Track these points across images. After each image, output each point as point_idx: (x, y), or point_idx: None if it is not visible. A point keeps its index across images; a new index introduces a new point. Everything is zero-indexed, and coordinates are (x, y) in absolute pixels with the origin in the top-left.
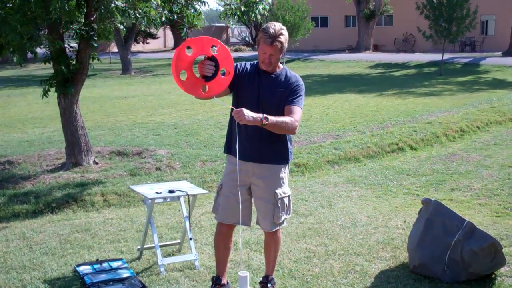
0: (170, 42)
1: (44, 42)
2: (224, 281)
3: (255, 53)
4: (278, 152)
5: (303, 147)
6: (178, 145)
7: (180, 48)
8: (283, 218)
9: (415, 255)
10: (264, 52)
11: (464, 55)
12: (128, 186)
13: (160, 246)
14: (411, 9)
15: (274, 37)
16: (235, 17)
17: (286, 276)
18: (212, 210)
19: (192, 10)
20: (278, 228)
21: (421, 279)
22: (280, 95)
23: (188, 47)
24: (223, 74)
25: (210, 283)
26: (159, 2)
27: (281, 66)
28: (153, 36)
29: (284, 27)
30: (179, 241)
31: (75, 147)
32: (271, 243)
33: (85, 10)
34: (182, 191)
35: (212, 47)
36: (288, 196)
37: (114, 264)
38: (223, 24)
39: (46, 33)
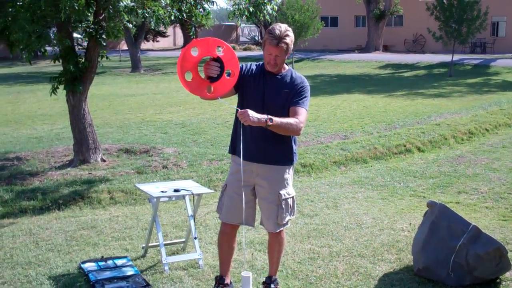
0: (180, 40)
1: (53, 40)
2: (227, 280)
3: None
4: (282, 153)
5: (310, 147)
6: (185, 143)
7: (185, 49)
8: (287, 219)
9: (420, 258)
10: (269, 53)
11: (474, 57)
12: (134, 184)
13: (165, 245)
14: (421, 9)
15: (279, 38)
16: (244, 17)
17: (289, 276)
18: (216, 210)
19: (201, 9)
20: (281, 229)
21: (425, 283)
22: (285, 96)
23: (194, 48)
24: (228, 75)
25: (214, 282)
26: (168, 1)
27: (286, 67)
28: (163, 35)
29: (290, 29)
30: (183, 239)
31: (83, 144)
32: (275, 244)
33: (94, 9)
34: (187, 190)
35: (217, 48)
36: (292, 197)
37: (119, 262)
38: (233, 23)
39: (55, 31)
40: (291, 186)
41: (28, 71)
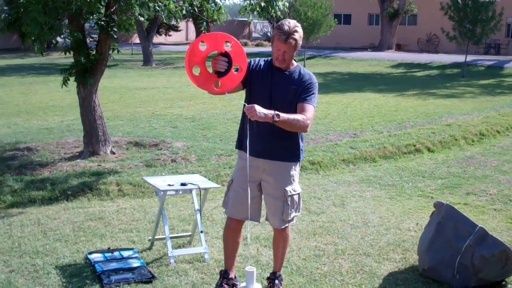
0: (193, 34)
1: (64, 32)
2: (231, 275)
3: None
4: (289, 150)
5: (319, 145)
6: (194, 138)
7: (194, 43)
8: (292, 215)
9: (425, 259)
10: (278, 49)
11: (488, 58)
12: (142, 177)
13: (171, 238)
14: (436, 9)
15: (288, 34)
16: (255, 13)
17: (294, 273)
18: (222, 205)
19: (213, 4)
20: (287, 225)
21: (430, 283)
22: (293, 92)
23: (202, 42)
24: (236, 70)
25: (218, 276)
26: None
27: (294, 63)
28: (175, 29)
29: (299, 25)
30: (190, 233)
31: (93, 136)
32: (280, 240)
33: (106, 1)
34: (194, 184)
35: (225, 43)
36: (298, 193)
37: (125, 253)
38: (246, 19)
39: (67, 23)
40: (297, 182)
41: (41, 62)
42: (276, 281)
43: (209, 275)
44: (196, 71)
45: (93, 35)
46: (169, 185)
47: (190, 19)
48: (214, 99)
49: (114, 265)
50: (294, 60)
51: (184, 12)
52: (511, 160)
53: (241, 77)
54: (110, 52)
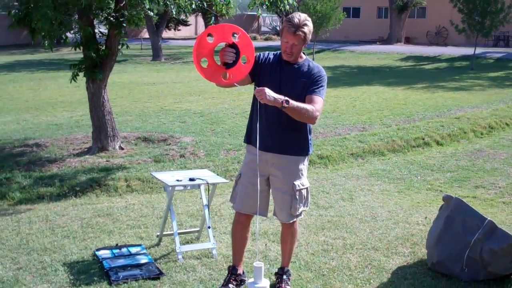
0: (201, 29)
1: (74, 27)
2: (240, 270)
3: None
4: (298, 144)
5: (328, 138)
6: (203, 133)
7: (201, 36)
8: (300, 210)
9: (434, 253)
10: (286, 41)
11: (497, 50)
12: (150, 172)
13: (179, 234)
14: (445, 1)
15: (297, 27)
16: (264, 7)
17: (302, 268)
18: (230, 199)
19: None
20: (295, 219)
21: (438, 277)
22: (301, 85)
23: (210, 35)
24: (244, 61)
25: (226, 272)
26: None
27: (304, 56)
28: (184, 23)
29: (309, 19)
30: (198, 229)
31: (101, 132)
32: (288, 235)
33: None
34: (202, 179)
35: (233, 34)
36: (307, 188)
37: (133, 250)
38: (255, 13)
39: (76, 18)
40: (306, 177)
41: (51, 58)
42: (284, 276)
43: (217, 271)
44: (204, 63)
45: (102, 31)
46: (177, 180)
47: (199, 14)
48: (223, 94)
49: (122, 261)
50: (303, 53)
51: (193, 6)
52: None
53: (249, 68)
54: (120, 47)
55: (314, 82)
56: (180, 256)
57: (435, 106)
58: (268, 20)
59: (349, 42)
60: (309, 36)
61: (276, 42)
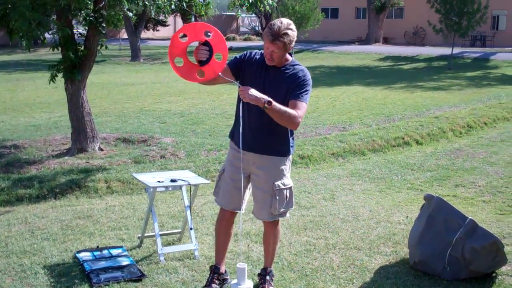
0: None
1: (52, 28)
2: (222, 269)
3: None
4: (278, 145)
5: (308, 138)
6: (183, 133)
7: (174, 35)
8: (281, 209)
9: (416, 252)
10: (267, 47)
11: (474, 50)
12: (131, 174)
13: (161, 235)
14: (422, 2)
15: (276, 36)
16: (244, 8)
17: (285, 268)
18: (213, 193)
19: None
20: (276, 219)
21: (421, 276)
22: (284, 90)
23: (183, 34)
24: (218, 58)
25: (209, 272)
26: None
27: (290, 58)
28: (163, 24)
29: (292, 27)
30: (179, 230)
31: (81, 133)
32: (270, 235)
33: None
34: (184, 180)
35: (205, 32)
36: (289, 188)
37: (114, 252)
38: (234, 14)
39: (54, 19)
40: (288, 177)
41: (28, 58)
42: (267, 277)
43: (200, 272)
44: (179, 62)
45: (80, 31)
46: (158, 181)
47: (178, 14)
48: (203, 94)
49: (103, 263)
50: (291, 54)
51: (172, 6)
52: (498, 152)
53: (223, 64)
54: (98, 47)
55: (298, 86)
56: (162, 258)
57: (414, 105)
58: (247, 20)
59: (328, 43)
60: (291, 44)
61: (255, 42)
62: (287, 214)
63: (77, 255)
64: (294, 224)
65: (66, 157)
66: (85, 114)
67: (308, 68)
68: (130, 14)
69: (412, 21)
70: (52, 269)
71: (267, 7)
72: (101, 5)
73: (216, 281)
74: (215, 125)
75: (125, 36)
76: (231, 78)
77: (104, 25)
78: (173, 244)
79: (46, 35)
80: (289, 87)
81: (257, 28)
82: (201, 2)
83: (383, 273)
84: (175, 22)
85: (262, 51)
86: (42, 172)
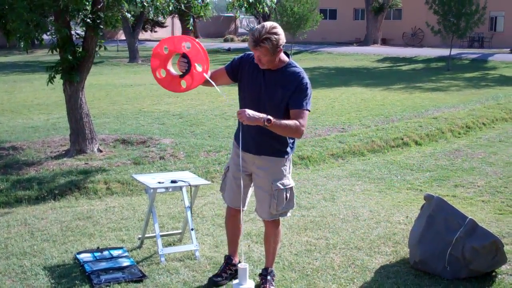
0: (178, 31)
1: (50, 29)
2: (235, 260)
3: None
4: (277, 146)
5: (308, 139)
6: (182, 134)
7: (155, 49)
8: (280, 209)
9: (416, 251)
10: (253, 52)
11: (472, 51)
12: (131, 175)
13: (161, 236)
14: (420, 3)
15: (257, 41)
16: (243, 9)
17: (286, 268)
18: (220, 189)
19: (200, 0)
20: (276, 218)
21: (421, 275)
22: (281, 94)
23: (165, 46)
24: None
25: (211, 272)
26: None
27: (286, 60)
28: (161, 25)
29: (275, 30)
30: (180, 231)
31: (79, 134)
32: (271, 235)
33: None
34: (184, 181)
35: (185, 44)
36: (289, 188)
37: (115, 253)
38: (232, 15)
39: (52, 20)
40: (289, 177)
41: (25, 60)
42: (268, 277)
43: (201, 272)
44: (162, 74)
45: (78, 33)
46: (159, 182)
47: (176, 15)
48: (202, 95)
49: (103, 264)
50: (287, 55)
51: (171, 8)
52: (497, 152)
53: (202, 74)
54: (97, 49)
55: (297, 92)
56: (162, 259)
57: (413, 106)
58: (245, 21)
59: (327, 44)
60: (277, 48)
61: None
62: (288, 214)
63: (77, 256)
64: (294, 225)
65: (65, 159)
66: (83, 115)
67: (307, 69)
68: (128, 15)
69: (410, 22)
70: (53, 270)
71: (266, 8)
72: (99, 6)
73: (228, 271)
74: (214, 126)
75: (123, 37)
76: (227, 82)
77: (102, 26)
78: (173, 244)
79: (44, 36)
80: (286, 92)
81: None
82: (200, 3)
83: (384, 273)
84: (173, 23)
85: None
86: (41, 174)
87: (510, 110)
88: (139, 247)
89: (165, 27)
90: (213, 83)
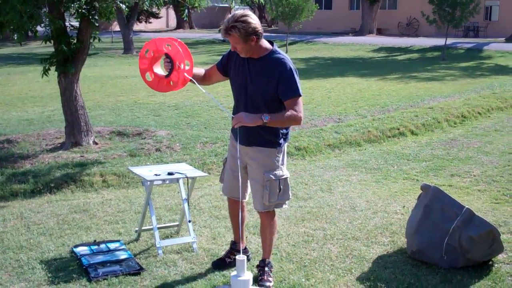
0: (173, 21)
1: (44, 21)
2: (240, 247)
3: None
4: (268, 137)
5: (304, 130)
6: (178, 126)
7: (140, 53)
8: (274, 201)
9: (413, 241)
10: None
11: (467, 40)
12: (127, 167)
13: (158, 228)
14: None
15: (226, 29)
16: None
17: (284, 259)
18: (219, 180)
19: None
20: (270, 210)
21: (418, 265)
22: (265, 82)
23: (147, 50)
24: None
25: (209, 264)
26: None
27: (269, 48)
28: (155, 16)
29: (244, 18)
30: (177, 223)
31: (74, 127)
32: (266, 227)
33: None
34: (181, 173)
35: (167, 45)
36: (284, 179)
37: (112, 246)
38: (227, 5)
39: (47, 11)
40: (282, 168)
41: (19, 52)
42: (266, 268)
43: (198, 264)
44: (149, 77)
45: (72, 24)
46: (155, 174)
47: (171, 6)
48: (197, 87)
49: (101, 257)
50: (271, 43)
51: None
52: (493, 141)
53: (186, 71)
54: (91, 40)
55: (283, 81)
56: (160, 251)
57: (409, 96)
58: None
59: (322, 34)
60: (245, 35)
61: None
62: (285, 205)
63: (74, 249)
64: (291, 216)
65: (61, 151)
66: (78, 107)
67: (303, 59)
68: (123, 6)
69: (405, 12)
70: (49, 264)
71: None
72: None
73: (232, 256)
74: (210, 118)
75: (117, 28)
76: (221, 78)
77: (97, 17)
78: (171, 237)
79: (38, 28)
80: (270, 80)
81: None
82: None
83: (381, 263)
84: (167, 14)
85: None
86: (36, 167)
87: (506, 99)
88: (136, 239)
89: (159, 18)
90: (195, 81)
